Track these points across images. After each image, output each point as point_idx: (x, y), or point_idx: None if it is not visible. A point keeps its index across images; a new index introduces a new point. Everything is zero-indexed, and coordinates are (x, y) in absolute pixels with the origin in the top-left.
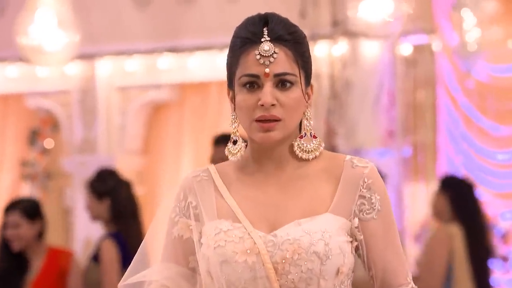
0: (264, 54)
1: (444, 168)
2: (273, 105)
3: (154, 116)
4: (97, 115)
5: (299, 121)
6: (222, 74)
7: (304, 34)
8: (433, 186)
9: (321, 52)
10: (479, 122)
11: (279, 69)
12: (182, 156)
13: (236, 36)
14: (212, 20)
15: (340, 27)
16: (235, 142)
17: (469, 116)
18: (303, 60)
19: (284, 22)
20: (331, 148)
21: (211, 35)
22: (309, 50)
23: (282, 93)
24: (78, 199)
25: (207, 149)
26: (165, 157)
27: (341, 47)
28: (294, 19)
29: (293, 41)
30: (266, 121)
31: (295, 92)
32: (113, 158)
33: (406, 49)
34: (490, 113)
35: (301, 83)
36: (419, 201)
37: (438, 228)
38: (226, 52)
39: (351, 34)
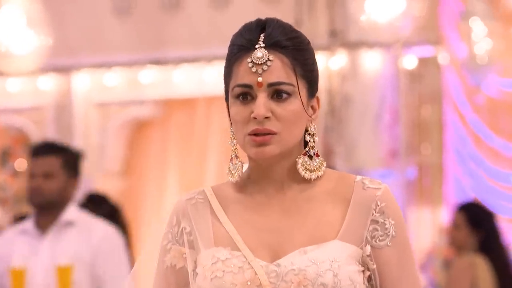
0: (257, 62)
1: (451, 191)
2: (267, 117)
3: (136, 134)
4: (73, 134)
5: (301, 137)
6: (210, 88)
7: (308, 41)
8: (439, 210)
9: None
10: (489, 141)
11: (273, 78)
12: (166, 178)
13: (231, 44)
14: (200, 29)
15: (338, 37)
16: (232, 160)
17: (479, 135)
18: (305, 69)
19: (284, 27)
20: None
21: (199, 46)
22: (313, 58)
23: (278, 104)
24: None
25: (194, 170)
26: (148, 179)
27: (339, 59)
28: None
29: (292, 47)
30: (260, 135)
31: (293, 104)
32: (91, 181)
33: (410, 61)
34: (501, 131)
35: (300, 94)
36: (424, 227)
37: (460, 258)
38: (214, 64)
39: (351, 45)
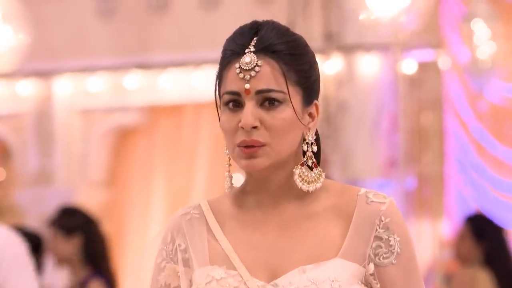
0: (245, 68)
1: (452, 202)
2: (255, 127)
3: (120, 142)
4: (55, 142)
5: (295, 147)
6: (199, 94)
7: (306, 45)
8: (440, 222)
9: None
10: (493, 149)
11: (261, 85)
12: (153, 188)
13: (224, 49)
14: (189, 31)
15: (334, 40)
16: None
17: (482, 143)
18: (299, 75)
19: (278, 30)
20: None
21: (187, 49)
22: (311, 63)
23: (268, 113)
24: None
25: (182, 179)
26: (133, 189)
27: (335, 62)
28: None
29: (285, 52)
30: (249, 147)
31: (284, 112)
32: (73, 191)
33: (409, 66)
34: (505, 139)
35: (292, 101)
36: (424, 240)
37: (462, 271)
38: (204, 68)
39: (347, 48)
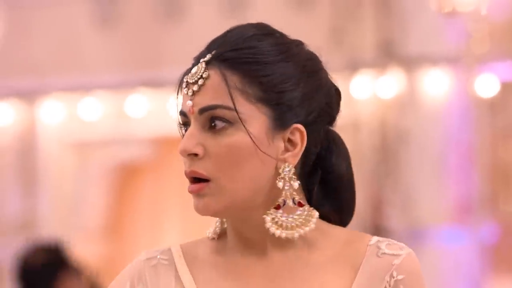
0: (190, 81)
1: None
2: (196, 155)
3: (123, 182)
4: (40, 181)
5: (262, 183)
6: None
7: (286, 51)
8: None
9: (361, 87)
10: None
11: (206, 101)
12: (162, 236)
13: None
14: (207, 42)
15: (390, 50)
16: None
17: None
18: (267, 89)
19: (241, 35)
20: (379, 227)
21: None
22: (294, 76)
23: (214, 138)
24: None
25: (198, 226)
26: (139, 240)
27: (392, 80)
28: (323, 39)
29: (245, 60)
30: (195, 181)
31: (234, 137)
32: (63, 241)
33: (489, 85)
34: None
35: (243, 121)
36: None
37: None
38: None
39: (407, 60)
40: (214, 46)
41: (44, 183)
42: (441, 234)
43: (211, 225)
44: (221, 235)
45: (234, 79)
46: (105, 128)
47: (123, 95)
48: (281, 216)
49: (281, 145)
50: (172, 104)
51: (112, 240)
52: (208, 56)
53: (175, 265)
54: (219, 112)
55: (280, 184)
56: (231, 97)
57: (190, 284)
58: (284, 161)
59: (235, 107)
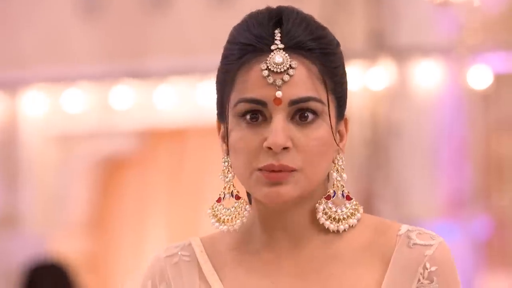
0: (275, 70)
1: None
2: (286, 148)
3: (108, 176)
4: (21, 174)
5: (327, 173)
6: (207, 110)
7: (337, 42)
8: None
9: (352, 79)
10: None
11: (298, 93)
12: (148, 233)
13: (232, 42)
14: (194, 32)
15: (382, 40)
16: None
17: None
18: (335, 80)
19: (308, 22)
20: None
21: (192, 54)
22: (343, 66)
23: (302, 130)
24: None
25: (185, 221)
26: (124, 235)
27: (383, 71)
28: None
29: (321, 50)
30: (275, 171)
31: (320, 129)
32: (46, 238)
33: (482, 76)
34: None
35: (330, 115)
36: None
37: None
38: (212, 77)
39: (399, 51)
40: (284, 32)
41: (26, 176)
42: (434, 229)
43: (198, 221)
44: (241, 229)
45: (315, 69)
46: (89, 120)
47: (108, 86)
48: (332, 207)
49: (337, 136)
50: (203, 91)
51: (96, 235)
52: (281, 44)
53: (197, 261)
54: (311, 104)
55: (335, 175)
56: (326, 88)
57: (215, 280)
58: (338, 152)
59: (328, 100)
